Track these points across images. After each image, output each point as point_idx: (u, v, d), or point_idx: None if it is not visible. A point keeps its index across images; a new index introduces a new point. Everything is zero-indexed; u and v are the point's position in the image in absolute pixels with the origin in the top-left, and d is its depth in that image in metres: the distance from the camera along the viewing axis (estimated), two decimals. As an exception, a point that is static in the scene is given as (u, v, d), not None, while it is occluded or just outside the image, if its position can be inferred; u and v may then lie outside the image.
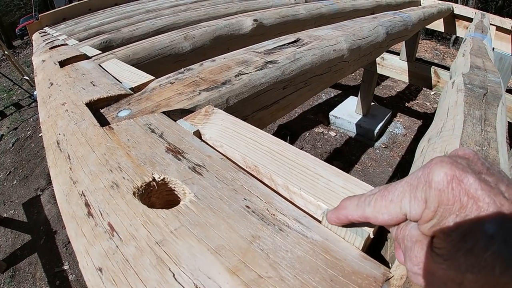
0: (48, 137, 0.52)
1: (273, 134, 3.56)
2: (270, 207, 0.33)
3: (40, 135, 4.17)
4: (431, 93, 4.75)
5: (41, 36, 1.68)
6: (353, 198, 0.28)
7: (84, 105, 0.58)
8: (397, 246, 0.25)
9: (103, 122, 0.53)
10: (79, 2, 2.44)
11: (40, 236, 2.73)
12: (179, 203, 0.34)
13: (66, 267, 2.44)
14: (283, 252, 0.28)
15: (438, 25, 3.00)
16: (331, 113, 3.98)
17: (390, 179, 3.13)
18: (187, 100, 0.58)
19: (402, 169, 3.23)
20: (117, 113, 0.56)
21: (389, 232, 0.27)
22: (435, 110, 0.88)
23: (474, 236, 0.19)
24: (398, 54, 3.23)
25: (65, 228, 0.33)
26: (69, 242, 0.34)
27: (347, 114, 3.90)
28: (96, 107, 0.59)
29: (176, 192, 0.37)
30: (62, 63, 0.89)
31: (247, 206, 0.33)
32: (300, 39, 0.95)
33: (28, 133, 4.43)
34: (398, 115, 4.19)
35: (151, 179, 0.37)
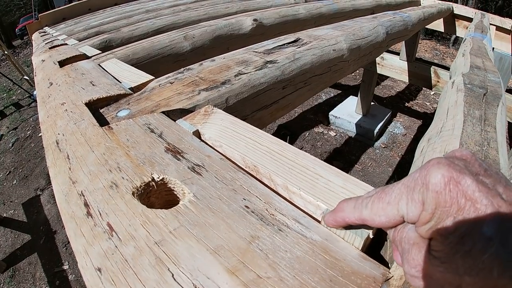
0: (47, 137, 0.52)
1: (273, 134, 3.56)
2: (269, 207, 0.33)
3: (39, 135, 4.17)
4: (431, 93, 4.75)
5: (41, 36, 1.68)
6: (350, 200, 0.28)
7: (84, 105, 0.58)
8: (395, 248, 0.25)
9: (102, 122, 0.53)
10: (79, 2, 2.43)
11: (40, 236, 2.73)
12: (178, 203, 0.34)
13: (66, 267, 2.44)
14: (282, 252, 0.28)
15: (438, 25, 3.00)
16: (331, 113, 3.98)
17: (390, 179, 3.13)
18: (186, 100, 0.58)
19: (402, 169, 3.23)
20: (117, 113, 0.56)
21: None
22: (435, 110, 0.88)
23: (472, 238, 0.18)
24: (398, 54, 3.23)
25: (64, 228, 0.33)
26: (69, 242, 0.34)
27: (347, 114, 3.90)
28: (96, 107, 0.59)
29: (175, 192, 0.37)
30: (62, 63, 0.89)
31: (246, 206, 0.33)
32: (299, 39, 0.95)
33: (28, 133, 4.43)
34: (398, 115, 4.19)
35: (150, 179, 0.37)
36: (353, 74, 5.19)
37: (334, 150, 3.53)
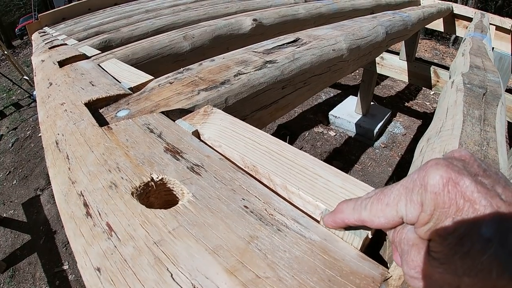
0: (47, 137, 0.52)
1: (273, 134, 3.56)
2: (268, 207, 0.33)
3: (39, 135, 4.17)
4: (431, 93, 4.75)
5: (41, 36, 1.68)
6: (349, 202, 0.28)
7: (83, 105, 0.58)
8: (395, 249, 0.25)
9: (102, 122, 0.53)
10: (79, 2, 2.43)
11: (39, 236, 2.73)
12: (177, 203, 0.34)
13: (65, 267, 2.44)
14: (281, 252, 0.28)
15: (438, 25, 3.00)
16: (330, 112, 3.98)
17: (389, 178, 3.13)
18: (186, 100, 0.58)
19: (401, 169, 3.23)
20: (116, 113, 0.56)
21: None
22: (435, 110, 0.88)
23: (470, 239, 0.18)
24: (397, 53, 3.23)
25: (64, 228, 0.33)
26: (69, 242, 0.34)
27: (347, 113, 3.90)
28: (95, 107, 0.59)
29: (174, 192, 0.37)
30: (61, 63, 0.89)
31: (245, 206, 0.33)
32: (299, 38, 0.95)
33: (28, 133, 4.43)
34: (397, 114, 4.19)
35: (149, 179, 0.37)
36: (352, 74, 5.19)
37: (334, 150, 3.53)
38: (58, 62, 0.89)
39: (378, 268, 0.28)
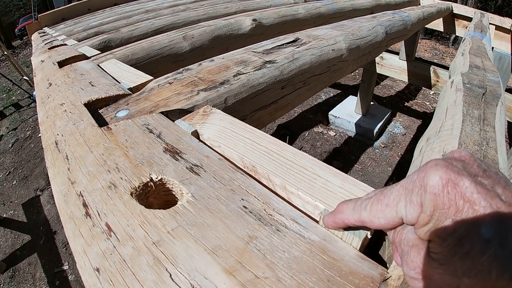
0: (46, 138, 0.52)
1: (272, 134, 3.56)
2: (267, 208, 0.33)
3: (39, 135, 4.17)
4: (431, 93, 4.75)
5: (40, 37, 1.68)
6: (349, 202, 0.28)
7: (83, 106, 0.58)
8: (395, 249, 0.25)
9: (101, 122, 0.53)
10: (79, 2, 2.43)
11: (39, 237, 2.73)
12: (176, 203, 0.34)
13: (65, 267, 2.44)
14: (280, 253, 0.28)
15: (438, 25, 3.00)
16: (330, 112, 3.98)
17: (389, 178, 3.13)
18: (185, 100, 0.58)
19: (401, 169, 3.23)
20: (116, 114, 0.56)
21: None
22: (435, 110, 0.88)
23: (470, 240, 0.18)
24: (397, 53, 3.23)
25: (64, 228, 0.33)
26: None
27: (347, 113, 3.90)
28: (95, 108, 0.59)
29: (173, 193, 0.37)
30: (61, 64, 0.89)
31: (244, 207, 0.33)
32: (299, 38, 0.95)
33: (28, 133, 4.43)
34: (397, 114, 4.19)
35: (148, 180, 0.37)
36: (352, 73, 5.19)
37: (333, 150, 3.53)
38: (58, 62, 0.89)
39: (378, 268, 0.28)
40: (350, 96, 4.33)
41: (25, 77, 5.57)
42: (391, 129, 3.88)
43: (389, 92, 4.87)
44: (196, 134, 0.49)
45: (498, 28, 2.50)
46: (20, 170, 3.63)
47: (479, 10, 2.76)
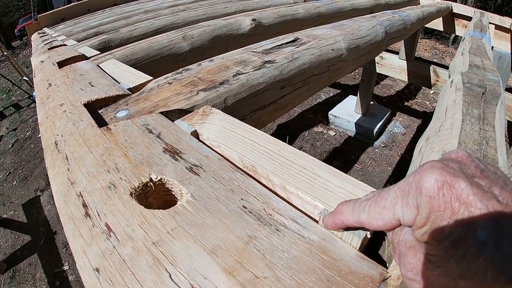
0: (46, 138, 0.52)
1: (272, 134, 3.56)
2: (267, 207, 0.33)
3: (39, 135, 4.17)
4: (430, 92, 4.75)
5: (40, 37, 1.68)
6: (348, 203, 0.28)
7: (82, 106, 0.58)
8: (395, 250, 0.26)
9: (101, 122, 0.53)
10: (78, 2, 2.43)
11: (40, 237, 2.73)
12: (176, 203, 0.34)
13: (66, 267, 2.44)
14: (279, 252, 0.28)
15: (437, 24, 3.00)
16: (330, 112, 3.98)
17: (389, 178, 3.13)
18: (185, 100, 0.58)
19: (401, 168, 3.23)
20: (115, 114, 0.56)
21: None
22: (434, 109, 0.88)
23: (466, 242, 0.18)
24: (397, 53, 3.23)
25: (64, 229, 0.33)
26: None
27: (347, 113, 3.90)
28: (94, 108, 0.59)
29: (173, 193, 0.37)
30: (61, 64, 0.89)
31: (244, 207, 0.33)
32: (298, 38, 0.95)
33: (28, 133, 4.43)
34: (397, 114, 4.20)
35: (148, 180, 0.37)
36: (352, 73, 5.19)
37: (333, 150, 3.53)
38: (58, 63, 0.89)
39: (377, 268, 0.28)
40: (350, 95, 4.33)
41: (25, 78, 5.57)
42: (391, 129, 3.88)
43: (389, 91, 4.87)
44: (195, 134, 0.49)
45: (498, 27, 2.50)
46: (20, 171, 3.63)
47: (479, 10, 2.76)
